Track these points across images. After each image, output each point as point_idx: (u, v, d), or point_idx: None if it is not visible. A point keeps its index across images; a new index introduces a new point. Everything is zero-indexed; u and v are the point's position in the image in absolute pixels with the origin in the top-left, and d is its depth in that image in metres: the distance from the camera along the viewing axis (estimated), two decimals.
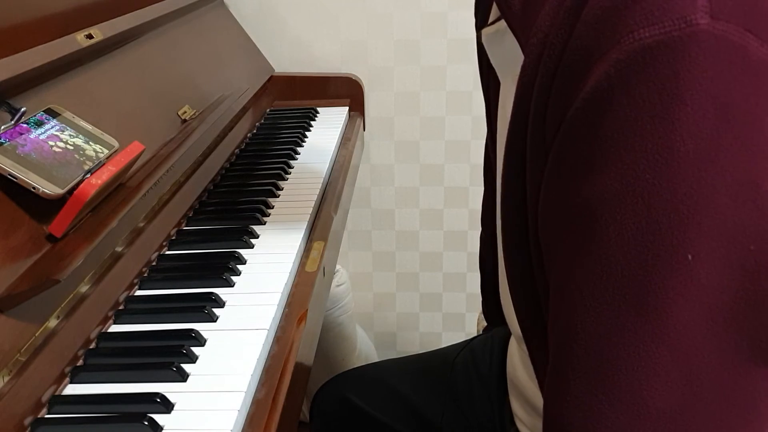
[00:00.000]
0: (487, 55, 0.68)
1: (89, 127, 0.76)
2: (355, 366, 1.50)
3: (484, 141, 0.87)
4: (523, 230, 0.51)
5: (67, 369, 0.62)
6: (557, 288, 0.44)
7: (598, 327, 0.40)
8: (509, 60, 0.55)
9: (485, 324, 1.07)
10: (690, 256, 0.37)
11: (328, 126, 1.31)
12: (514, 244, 0.52)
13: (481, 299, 1.00)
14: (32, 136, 0.68)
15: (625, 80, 0.38)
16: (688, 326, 0.38)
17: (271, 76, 1.43)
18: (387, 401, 0.89)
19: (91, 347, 0.66)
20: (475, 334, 1.05)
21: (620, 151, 0.38)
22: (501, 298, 0.69)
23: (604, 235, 0.39)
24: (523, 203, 0.50)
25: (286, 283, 0.75)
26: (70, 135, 0.72)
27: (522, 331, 0.56)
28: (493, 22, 0.57)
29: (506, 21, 0.51)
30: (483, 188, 0.94)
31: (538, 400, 0.68)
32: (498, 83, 0.66)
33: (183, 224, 0.90)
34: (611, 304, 0.39)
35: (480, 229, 0.97)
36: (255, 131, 1.27)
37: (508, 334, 0.87)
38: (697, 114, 0.36)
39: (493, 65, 0.60)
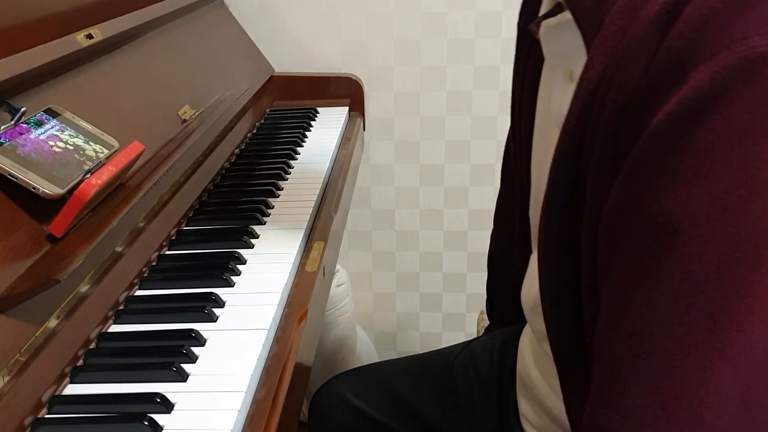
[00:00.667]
0: (526, 50, 0.66)
1: (89, 127, 0.76)
2: (355, 366, 1.50)
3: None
4: (566, 236, 0.50)
5: (67, 369, 0.62)
6: (619, 296, 0.42)
7: (664, 340, 0.39)
8: (566, 54, 0.54)
9: (486, 324, 1.07)
10: None
11: (328, 126, 1.31)
12: (553, 249, 0.51)
13: (485, 298, 1.00)
14: (32, 136, 0.68)
15: (729, 88, 0.36)
16: (757, 348, 0.38)
17: (271, 76, 1.43)
18: (386, 402, 0.89)
19: (91, 347, 0.66)
20: (476, 334, 1.05)
21: (714, 164, 0.36)
22: (522, 297, 0.69)
23: (684, 248, 0.38)
24: (570, 209, 0.49)
25: (286, 283, 0.75)
26: (70, 135, 0.72)
27: (548, 332, 0.55)
28: (548, 15, 0.55)
29: (573, 13, 0.49)
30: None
31: (550, 400, 0.68)
32: (537, 79, 0.64)
33: (183, 224, 0.90)
34: (682, 318, 0.38)
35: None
36: (255, 131, 1.27)
37: (510, 335, 0.87)
38: None
39: (546, 59, 0.59)
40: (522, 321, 0.83)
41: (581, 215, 0.48)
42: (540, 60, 0.63)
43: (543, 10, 0.58)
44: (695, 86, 0.37)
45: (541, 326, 0.57)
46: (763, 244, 0.36)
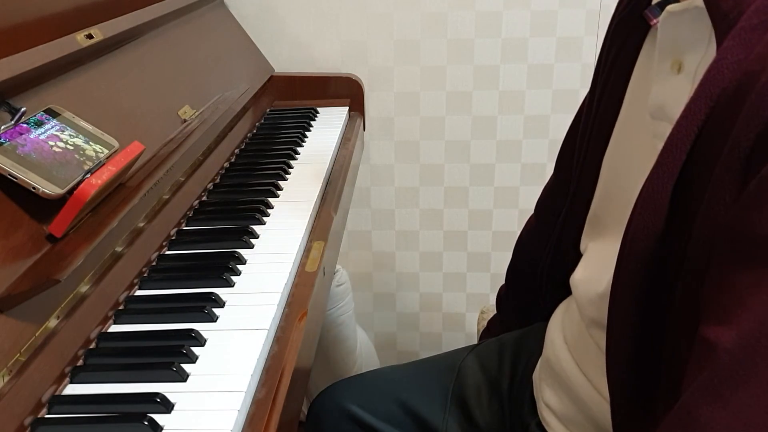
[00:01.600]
0: (622, 38, 0.65)
1: (89, 127, 0.76)
2: (355, 365, 1.50)
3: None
4: (664, 230, 0.49)
5: (67, 369, 0.62)
6: (741, 297, 0.42)
7: None
8: (680, 43, 0.53)
9: (486, 323, 1.07)
10: None
11: (328, 126, 1.31)
12: (641, 244, 0.51)
13: (502, 285, 0.99)
14: (32, 136, 0.68)
15: None
16: None
17: (271, 76, 1.43)
18: (388, 409, 0.88)
19: (91, 347, 0.66)
20: (476, 334, 1.05)
21: None
22: (577, 284, 0.69)
23: None
24: (676, 205, 0.48)
25: (286, 283, 0.75)
26: (70, 135, 0.72)
27: (610, 325, 0.55)
28: (672, 0, 0.54)
29: (707, 2, 0.48)
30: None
31: (582, 390, 0.67)
32: (628, 71, 0.63)
33: (183, 224, 0.90)
34: None
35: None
36: (255, 131, 1.27)
37: (522, 336, 0.87)
38: None
39: (658, 47, 0.57)
40: (535, 316, 0.83)
41: (689, 210, 0.47)
42: (635, 50, 0.61)
43: None
44: None
45: (597, 314, 0.56)
46: None
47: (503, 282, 1.01)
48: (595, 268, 0.67)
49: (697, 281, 0.47)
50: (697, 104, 0.46)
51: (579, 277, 0.69)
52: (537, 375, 0.78)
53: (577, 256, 0.72)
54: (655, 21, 0.56)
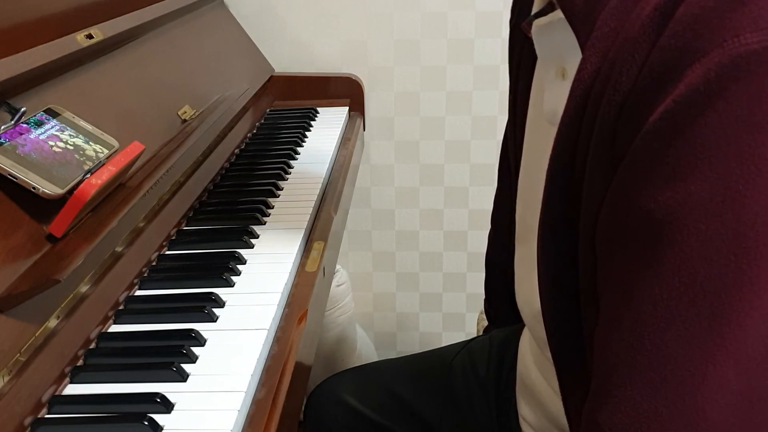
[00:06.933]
0: (519, 47, 0.67)
1: (89, 127, 0.76)
2: (355, 366, 1.50)
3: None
4: (565, 238, 0.50)
5: (67, 369, 0.62)
6: (619, 295, 0.42)
7: (666, 336, 0.39)
8: (558, 52, 0.54)
9: (485, 324, 1.07)
10: None
11: (328, 126, 1.31)
12: (551, 252, 0.52)
13: (483, 299, 0.99)
14: (32, 136, 0.68)
15: (724, 85, 0.36)
16: (758, 343, 0.38)
17: (271, 76, 1.43)
18: (384, 402, 0.88)
19: (91, 347, 0.66)
20: (475, 334, 1.05)
21: (711, 159, 0.37)
22: (518, 299, 0.68)
23: (684, 244, 0.38)
24: (569, 209, 0.49)
25: (286, 283, 0.75)
26: (70, 135, 0.72)
27: (548, 334, 0.55)
28: (540, 14, 0.55)
29: (565, 14, 0.49)
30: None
31: (551, 402, 0.68)
32: (530, 76, 0.64)
33: (183, 224, 0.90)
34: (683, 314, 0.38)
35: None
36: (255, 131, 1.27)
37: (509, 336, 0.87)
38: None
39: (539, 57, 0.59)
40: (521, 322, 0.83)
41: (579, 216, 0.48)
42: (533, 58, 0.63)
43: (535, 9, 0.58)
44: (690, 84, 0.37)
45: (542, 332, 0.57)
46: (762, 238, 0.36)
47: None
48: (525, 284, 0.66)
49: (592, 284, 0.48)
50: (567, 114, 0.47)
51: (519, 295, 0.69)
52: (517, 388, 0.78)
53: None
54: (530, 34, 0.58)
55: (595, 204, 0.45)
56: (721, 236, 0.37)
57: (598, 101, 0.44)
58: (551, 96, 0.56)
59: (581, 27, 0.48)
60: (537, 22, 0.56)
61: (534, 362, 0.71)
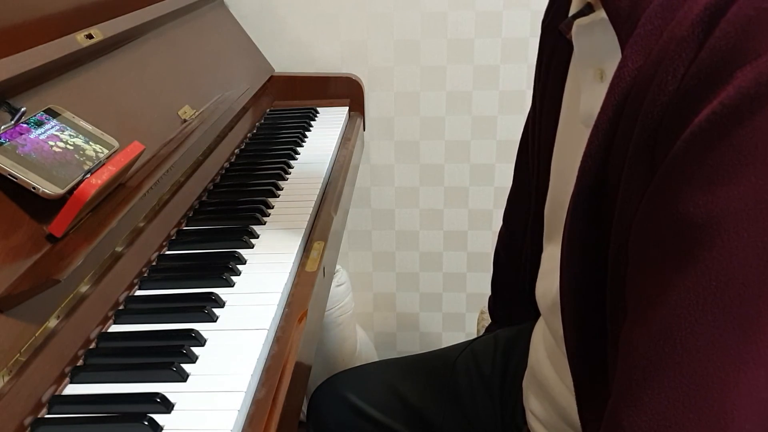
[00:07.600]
0: (550, 48, 0.67)
1: (89, 127, 0.76)
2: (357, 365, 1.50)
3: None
4: (592, 235, 0.49)
5: (67, 369, 0.62)
6: (650, 297, 0.42)
7: (698, 340, 0.39)
8: (597, 53, 0.54)
9: (486, 324, 1.07)
10: None
11: (328, 126, 1.31)
12: (577, 249, 0.51)
13: (489, 296, 0.99)
14: (32, 136, 0.68)
15: None
16: None
17: (271, 76, 1.43)
18: (387, 401, 0.89)
19: (91, 347, 0.66)
20: (476, 334, 1.05)
21: (756, 164, 0.36)
22: (537, 292, 0.68)
23: (723, 249, 0.37)
24: (598, 208, 0.48)
25: (286, 283, 0.75)
26: (70, 135, 0.72)
27: (564, 330, 0.55)
28: (579, 14, 0.55)
29: (607, 13, 0.49)
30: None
31: (561, 396, 0.67)
32: (562, 78, 0.64)
33: (183, 224, 0.90)
34: (716, 318, 0.38)
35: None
36: (255, 131, 1.27)
37: (516, 334, 0.87)
38: None
39: (577, 58, 0.59)
40: (527, 319, 0.83)
41: (609, 215, 0.48)
42: (566, 59, 0.63)
43: (573, 10, 0.58)
44: (739, 87, 0.37)
45: (558, 326, 0.57)
46: None
47: None
48: (547, 277, 0.67)
49: (620, 285, 0.47)
50: (605, 113, 0.46)
51: (538, 288, 0.69)
52: (525, 382, 0.78)
53: None
54: (569, 35, 0.58)
55: (633, 204, 0.44)
56: (760, 243, 0.37)
57: (640, 101, 0.43)
58: (588, 98, 0.56)
59: (623, 27, 0.47)
60: (578, 22, 0.56)
61: (547, 356, 0.71)
